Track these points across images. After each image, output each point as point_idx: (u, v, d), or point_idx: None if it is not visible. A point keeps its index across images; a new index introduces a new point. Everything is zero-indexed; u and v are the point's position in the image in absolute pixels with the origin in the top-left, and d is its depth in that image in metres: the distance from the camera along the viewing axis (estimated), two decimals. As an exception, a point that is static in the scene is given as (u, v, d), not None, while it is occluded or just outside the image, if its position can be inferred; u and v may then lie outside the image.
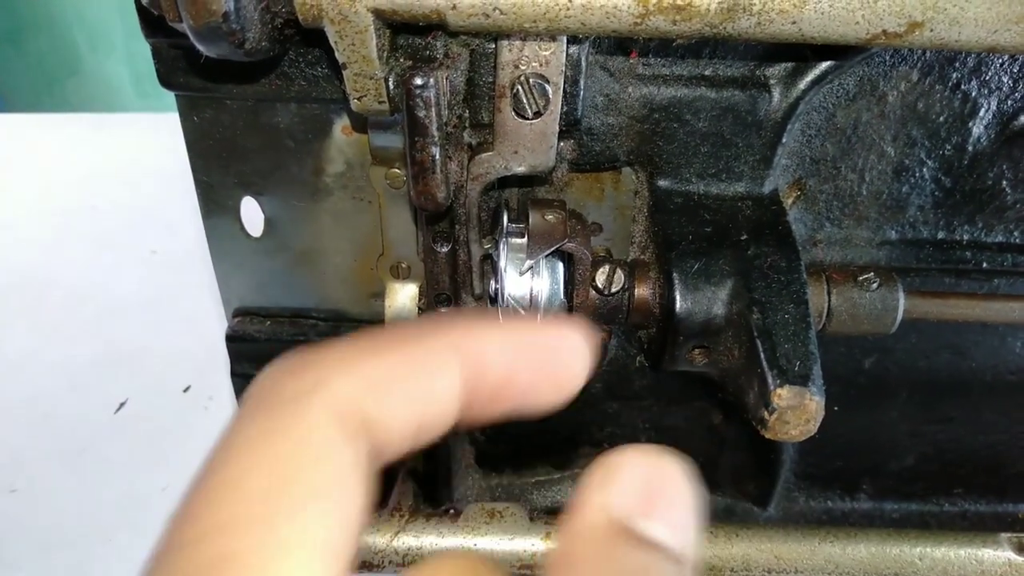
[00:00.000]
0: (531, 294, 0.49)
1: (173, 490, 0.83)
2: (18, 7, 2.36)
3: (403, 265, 0.62)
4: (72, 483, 0.84)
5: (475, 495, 0.71)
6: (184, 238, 1.12)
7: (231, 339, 0.65)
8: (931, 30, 0.41)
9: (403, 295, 0.63)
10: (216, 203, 0.60)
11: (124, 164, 1.30)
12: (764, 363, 0.44)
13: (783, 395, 0.43)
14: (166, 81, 0.52)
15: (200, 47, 0.40)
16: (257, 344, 0.65)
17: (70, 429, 0.89)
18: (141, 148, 1.32)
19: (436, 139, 0.45)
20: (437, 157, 0.45)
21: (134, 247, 1.16)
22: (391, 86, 0.44)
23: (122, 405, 0.91)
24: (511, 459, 0.72)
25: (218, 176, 0.58)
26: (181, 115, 0.55)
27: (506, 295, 0.49)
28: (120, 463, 0.86)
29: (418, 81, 0.43)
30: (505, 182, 0.55)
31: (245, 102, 0.54)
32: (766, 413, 0.43)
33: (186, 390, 0.93)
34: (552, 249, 0.48)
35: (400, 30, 0.44)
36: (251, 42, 0.40)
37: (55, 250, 1.15)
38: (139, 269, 1.12)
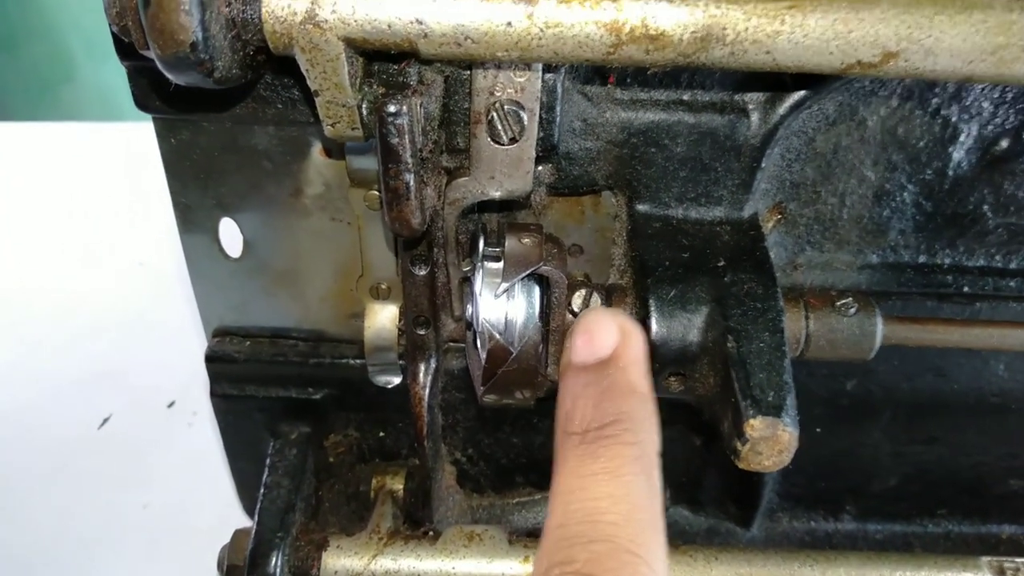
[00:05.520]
0: (506, 318, 0.49)
1: (154, 508, 0.83)
2: (13, 14, 2.35)
3: (383, 286, 0.61)
4: (54, 499, 0.84)
5: (456, 516, 0.70)
6: (173, 251, 1.11)
7: (210, 359, 0.65)
8: (906, 60, 0.41)
9: (383, 316, 0.62)
10: (194, 224, 0.60)
11: (115, 174, 1.29)
12: (738, 393, 0.44)
13: (756, 426, 0.42)
14: (143, 104, 0.52)
15: (169, 76, 0.39)
16: (236, 364, 0.65)
17: (53, 444, 0.88)
18: (132, 158, 1.31)
19: (410, 166, 0.44)
20: (411, 184, 0.45)
21: (122, 259, 1.15)
22: (364, 112, 0.44)
23: (106, 420, 0.91)
24: (492, 479, 0.71)
25: (196, 197, 0.58)
26: (158, 136, 0.55)
27: (480, 319, 0.48)
28: (102, 479, 0.85)
29: (391, 108, 0.42)
30: (484, 205, 0.55)
31: (222, 125, 0.53)
32: (739, 444, 0.43)
33: (170, 405, 0.93)
34: (527, 272, 0.48)
35: (373, 57, 0.43)
36: (221, 71, 0.40)
37: (42, 261, 1.15)
38: (126, 281, 1.11)
